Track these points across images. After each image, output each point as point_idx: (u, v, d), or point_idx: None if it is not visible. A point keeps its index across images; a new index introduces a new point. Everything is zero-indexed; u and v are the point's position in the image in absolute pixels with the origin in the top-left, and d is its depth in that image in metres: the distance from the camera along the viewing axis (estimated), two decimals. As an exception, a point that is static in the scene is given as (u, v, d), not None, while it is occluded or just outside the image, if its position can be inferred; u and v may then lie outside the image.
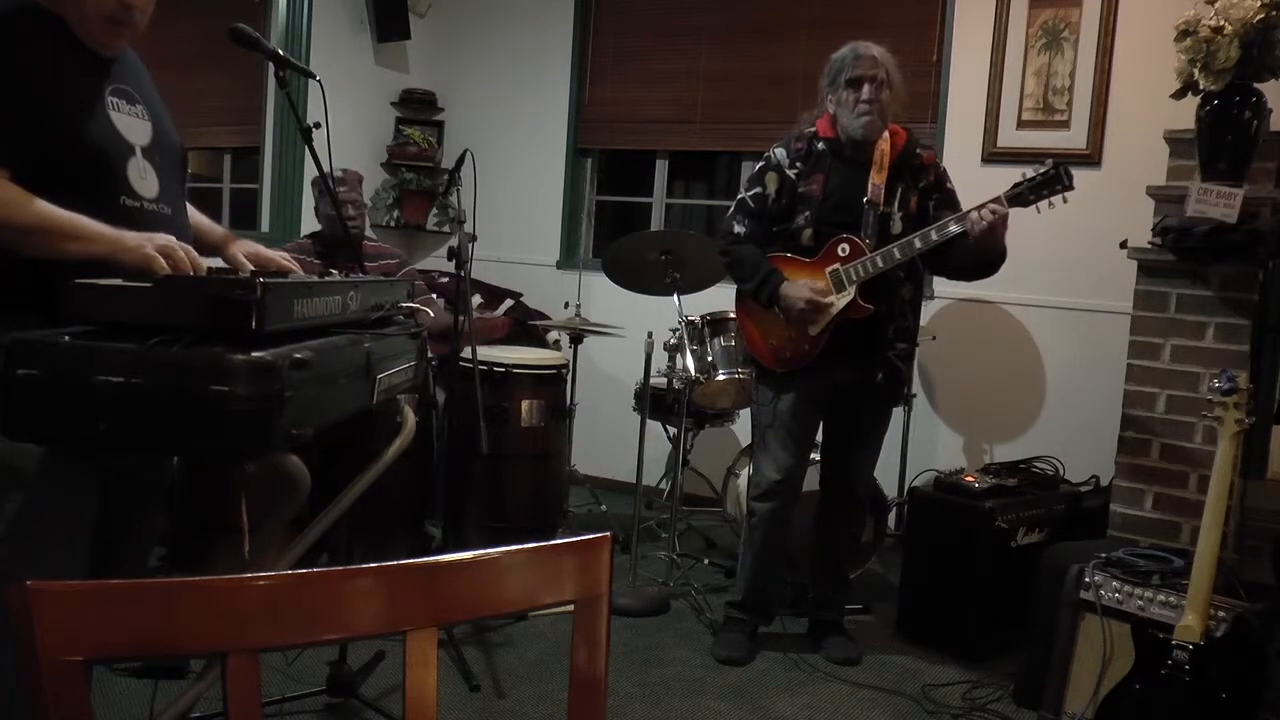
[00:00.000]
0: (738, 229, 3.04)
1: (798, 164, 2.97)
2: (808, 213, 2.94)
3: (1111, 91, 3.96)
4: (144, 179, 1.72)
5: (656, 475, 4.42)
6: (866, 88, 2.88)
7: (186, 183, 1.91)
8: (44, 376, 1.30)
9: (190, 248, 1.60)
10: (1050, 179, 2.72)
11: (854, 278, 2.87)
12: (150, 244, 1.55)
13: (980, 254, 2.82)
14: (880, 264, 2.85)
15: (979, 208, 2.75)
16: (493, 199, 4.59)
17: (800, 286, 2.90)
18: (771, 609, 3.21)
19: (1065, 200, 2.75)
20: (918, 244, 2.82)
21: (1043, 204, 2.74)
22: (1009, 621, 3.06)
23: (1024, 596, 2.94)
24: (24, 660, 0.72)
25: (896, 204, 2.93)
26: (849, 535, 3.27)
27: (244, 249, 1.93)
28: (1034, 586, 2.87)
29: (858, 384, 2.99)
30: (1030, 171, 2.75)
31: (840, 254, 2.90)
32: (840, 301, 2.90)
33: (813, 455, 3.17)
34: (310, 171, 4.43)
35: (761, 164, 3.05)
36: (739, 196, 3.08)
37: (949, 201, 2.97)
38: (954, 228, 2.79)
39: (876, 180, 2.91)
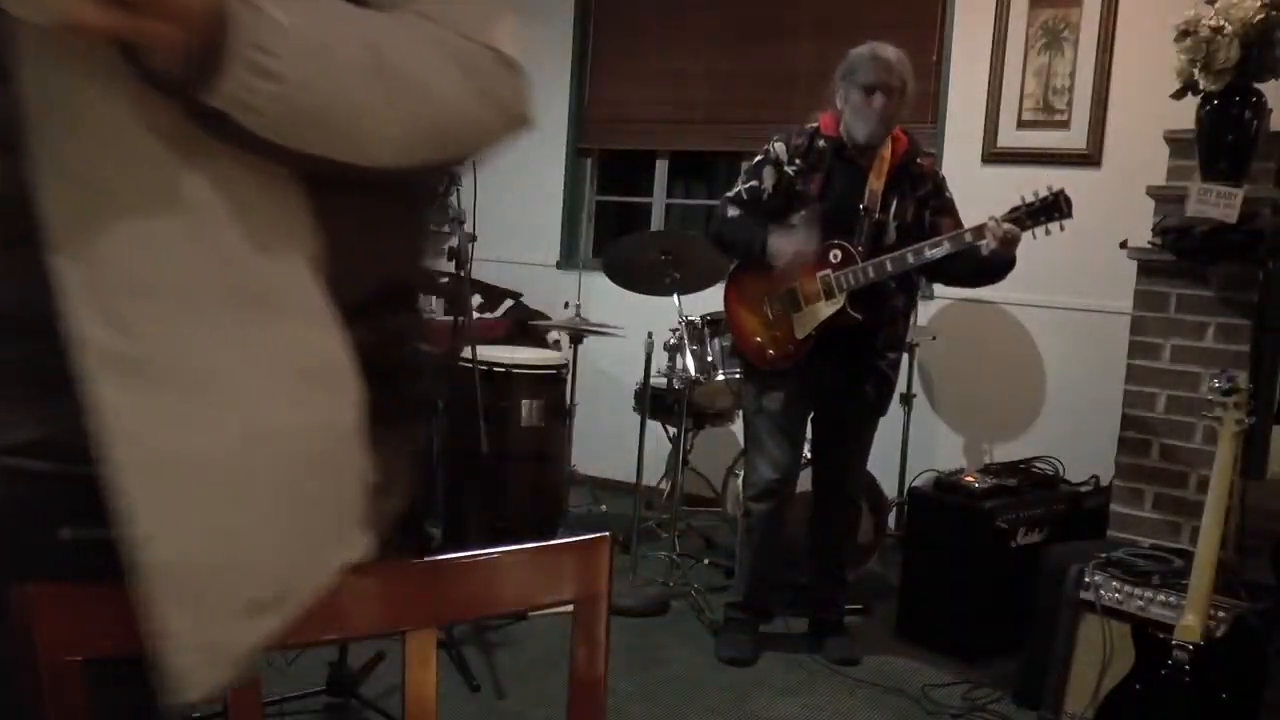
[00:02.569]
0: (731, 213, 3.01)
1: (796, 160, 2.93)
2: (803, 213, 2.93)
3: (1111, 91, 3.96)
4: None
5: (656, 475, 4.41)
6: (879, 96, 2.83)
7: None
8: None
9: None
10: (1049, 206, 2.71)
11: (844, 286, 2.86)
12: None
13: (984, 265, 2.81)
14: (872, 275, 2.83)
15: (978, 228, 2.74)
16: (493, 199, 4.58)
17: (791, 240, 2.87)
18: (771, 607, 3.22)
19: (1062, 229, 2.74)
20: (910, 259, 2.81)
21: (1039, 230, 2.73)
22: (1009, 621, 3.06)
23: (1024, 596, 2.94)
24: (24, 660, 0.73)
25: (892, 213, 2.91)
26: (844, 534, 3.26)
27: None
28: (1034, 586, 2.87)
29: (845, 387, 2.99)
30: (1030, 196, 2.74)
31: (832, 260, 2.89)
32: (829, 309, 2.88)
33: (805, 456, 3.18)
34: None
35: (760, 158, 2.99)
36: (734, 189, 3.03)
37: (946, 209, 2.96)
38: (947, 246, 2.78)
39: (874, 186, 2.89)
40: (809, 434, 3.16)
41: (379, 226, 0.85)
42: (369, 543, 0.82)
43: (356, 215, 0.81)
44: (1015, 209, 2.73)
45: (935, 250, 2.79)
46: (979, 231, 2.73)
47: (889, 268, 2.82)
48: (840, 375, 2.97)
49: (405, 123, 0.74)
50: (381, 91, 0.72)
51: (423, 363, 0.92)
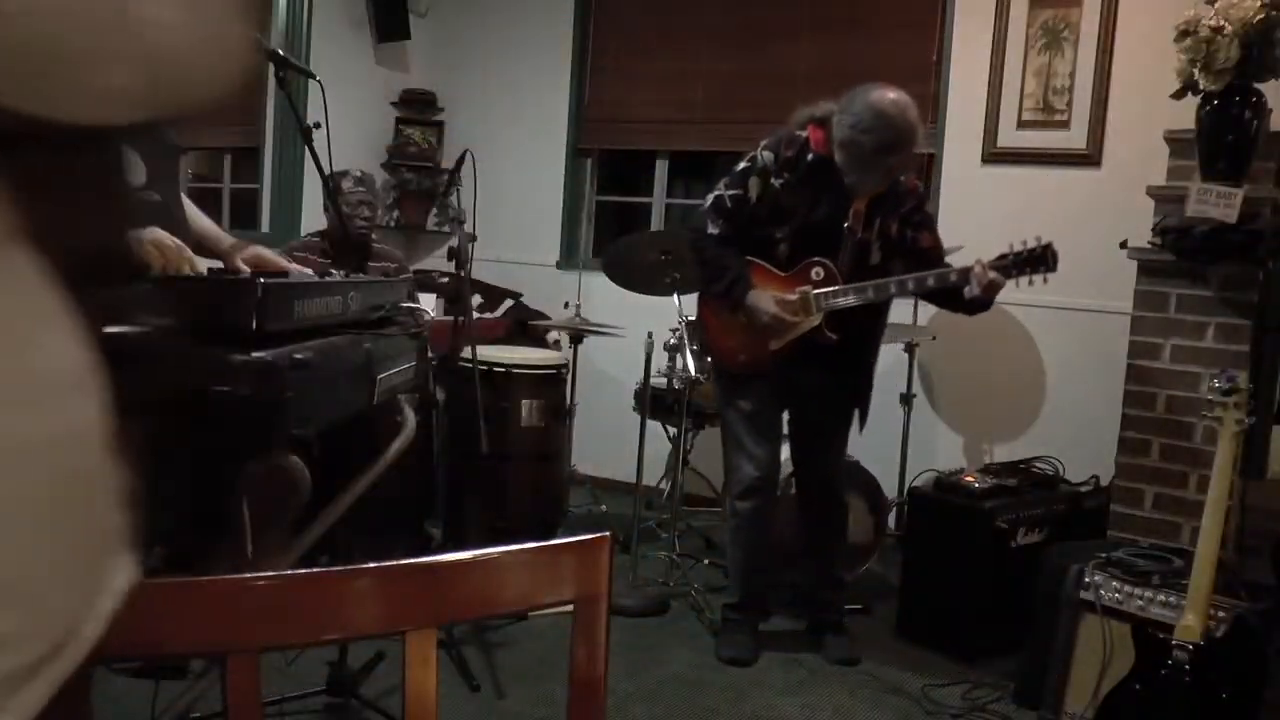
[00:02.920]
0: (711, 229, 2.97)
1: (785, 174, 2.89)
2: (787, 227, 2.91)
3: (1111, 91, 3.96)
4: (131, 167, 1.73)
5: (656, 475, 4.42)
6: (893, 164, 2.80)
7: (182, 176, 1.91)
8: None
9: (181, 242, 1.60)
10: (1036, 258, 2.73)
11: (822, 306, 2.86)
12: (143, 236, 1.55)
13: (963, 304, 2.83)
14: (852, 299, 2.84)
15: (963, 271, 2.74)
16: (493, 199, 4.59)
17: (768, 299, 2.87)
18: (768, 605, 3.22)
19: (1045, 281, 2.76)
20: (893, 289, 2.83)
21: (1022, 279, 2.75)
22: (1009, 621, 3.05)
23: (1024, 596, 2.94)
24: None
25: (875, 232, 2.90)
26: (837, 535, 3.26)
27: (247, 254, 1.93)
28: (1034, 586, 2.87)
29: (820, 392, 3.01)
30: (1018, 245, 2.75)
31: (814, 277, 2.89)
32: (806, 325, 2.89)
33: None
34: (310, 171, 4.43)
35: (746, 165, 2.96)
36: (716, 194, 2.99)
37: (925, 224, 2.97)
38: (931, 282, 2.80)
39: (858, 207, 2.88)
40: (787, 436, 3.18)
41: (85, 189, 0.70)
42: (133, 568, 0.66)
43: (60, 177, 0.66)
44: (1003, 256, 2.75)
45: (917, 284, 2.81)
46: (964, 275, 2.75)
47: (870, 294, 2.83)
48: (815, 381, 2.97)
49: (131, 74, 0.59)
50: (111, 33, 0.56)
51: (157, 345, 0.81)
